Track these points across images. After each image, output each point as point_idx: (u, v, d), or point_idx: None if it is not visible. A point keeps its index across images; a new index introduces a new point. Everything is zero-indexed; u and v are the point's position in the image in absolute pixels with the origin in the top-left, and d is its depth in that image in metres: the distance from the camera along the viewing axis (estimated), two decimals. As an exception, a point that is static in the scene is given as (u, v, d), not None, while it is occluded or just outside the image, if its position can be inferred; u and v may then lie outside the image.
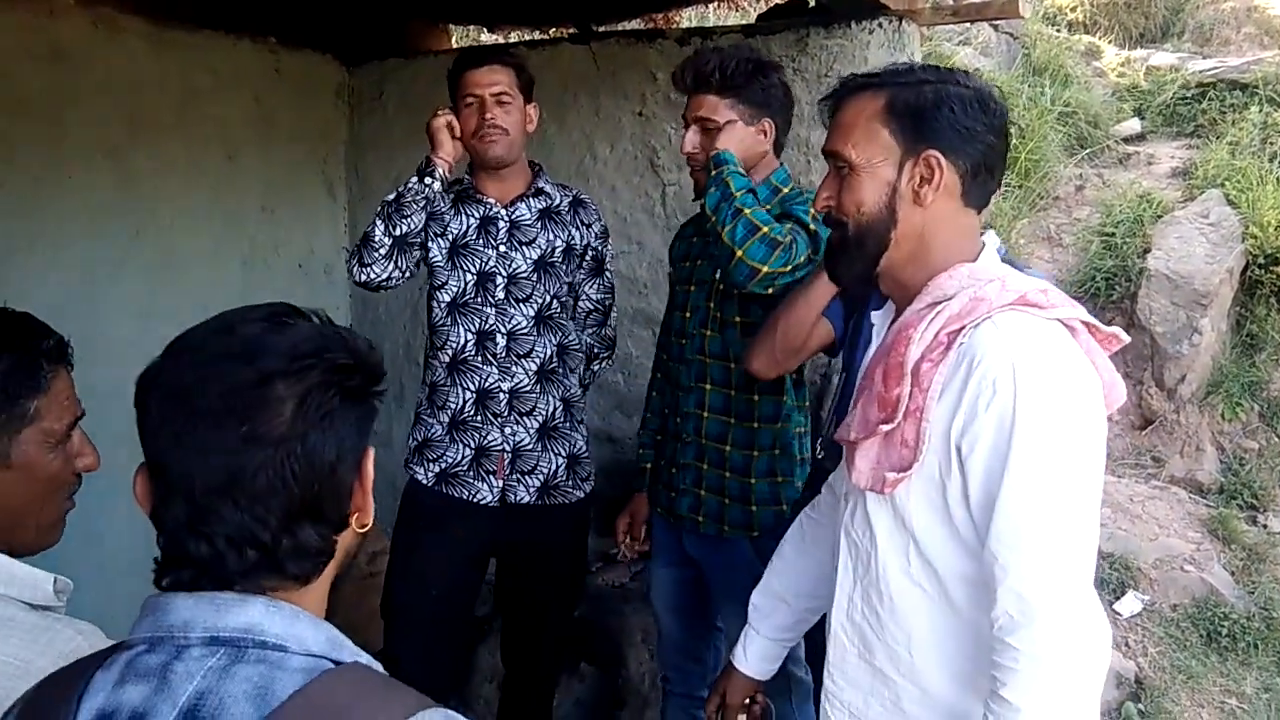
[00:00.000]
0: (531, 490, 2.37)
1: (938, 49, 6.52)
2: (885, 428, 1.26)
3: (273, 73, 3.40)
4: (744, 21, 3.83)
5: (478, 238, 2.34)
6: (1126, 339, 1.32)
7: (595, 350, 2.54)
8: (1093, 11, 8.01)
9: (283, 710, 0.75)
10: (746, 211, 1.91)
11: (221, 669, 0.77)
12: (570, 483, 2.42)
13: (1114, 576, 3.83)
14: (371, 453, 0.90)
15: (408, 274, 2.33)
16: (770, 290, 1.93)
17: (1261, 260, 4.90)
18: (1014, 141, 5.32)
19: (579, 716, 2.97)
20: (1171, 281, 4.92)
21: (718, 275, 2.12)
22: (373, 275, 2.27)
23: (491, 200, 2.35)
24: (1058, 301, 1.24)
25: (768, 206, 2.03)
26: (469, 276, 2.34)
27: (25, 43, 2.62)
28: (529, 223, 2.36)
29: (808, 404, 2.26)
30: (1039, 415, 1.16)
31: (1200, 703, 3.44)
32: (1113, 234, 5.38)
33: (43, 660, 1.01)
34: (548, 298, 2.35)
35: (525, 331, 2.34)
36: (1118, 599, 3.77)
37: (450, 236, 2.35)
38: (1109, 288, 5.18)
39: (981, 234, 1.35)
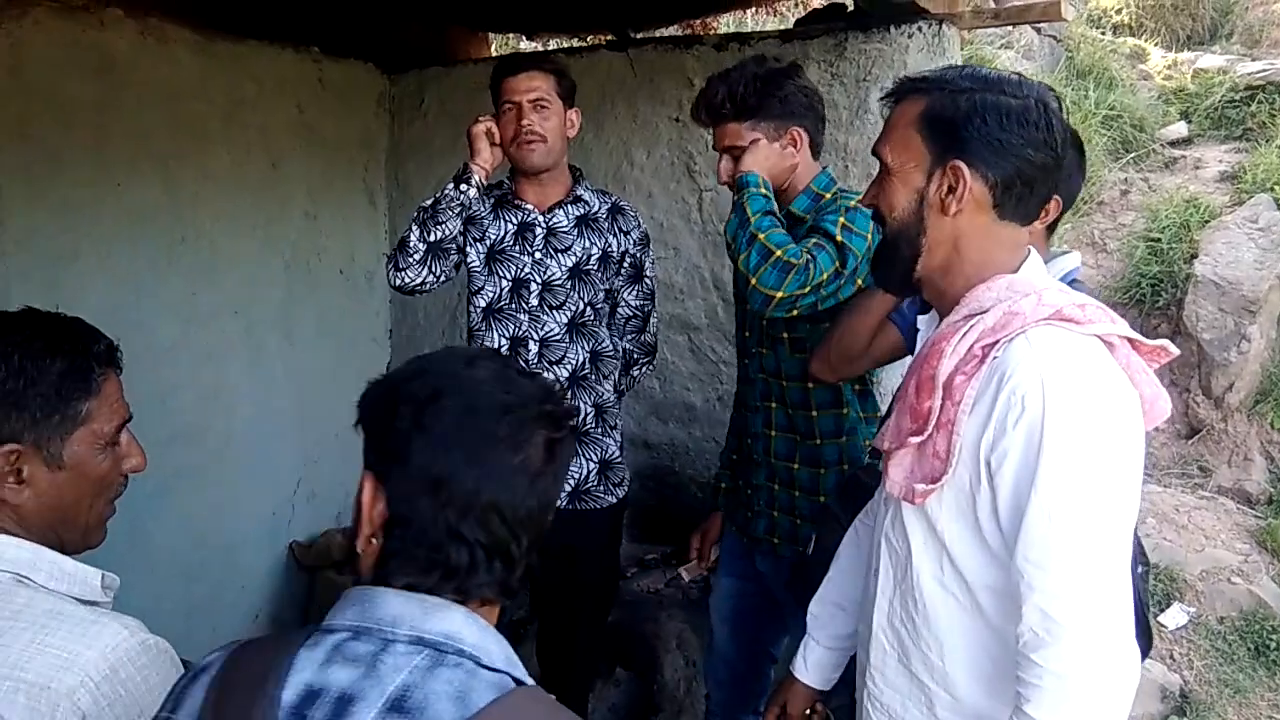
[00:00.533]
0: (562, 495, 2.37)
1: (979, 53, 6.47)
2: (916, 439, 1.26)
3: (315, 82, 3.46)
4: (782, 26, 3.82)
5: (514, 244, 2.36)
6: (1175, 352, 1.30)
7: (635, 356, 2.54)
8: (1138, 14, 7.90)
9: (480, 716, 0.81)
10: (761, 236, 1.86)
11: (426, 668, 0.84)
12: (602, 488, 2.43)
13: (1159, 588, 3.76)
14: None
15: (443, 278, 2.35)
16: (794, 312, 1.89)
17: (1312, 266, 4.81)
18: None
19: (614, 721, 2.97)
20: (1219, 288, 4.83)
21: None
22: (408, 279, 2.30)
23: (529, 207, 2.37)
24: (1095, 317, 1.23)
25: (806, 216, 2.01)
26: (504, 282, 2.36)
27: (75, 55, 2.69)
28: (565, 230, 2.37)
29: (880, 414, 2.17)
30: (1067, 432, 1.15)
31: (1247, 718, 3.37)
32: (1159, 239, 5.29)
33: (90, 653, 1.04)
34: (582, 305, 2.37)
35: (558, 338, 2.35)
36: (1163, 611, 3.70)
37: (488, 242, 2.37)
38: (1155, 294, 5.10)
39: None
